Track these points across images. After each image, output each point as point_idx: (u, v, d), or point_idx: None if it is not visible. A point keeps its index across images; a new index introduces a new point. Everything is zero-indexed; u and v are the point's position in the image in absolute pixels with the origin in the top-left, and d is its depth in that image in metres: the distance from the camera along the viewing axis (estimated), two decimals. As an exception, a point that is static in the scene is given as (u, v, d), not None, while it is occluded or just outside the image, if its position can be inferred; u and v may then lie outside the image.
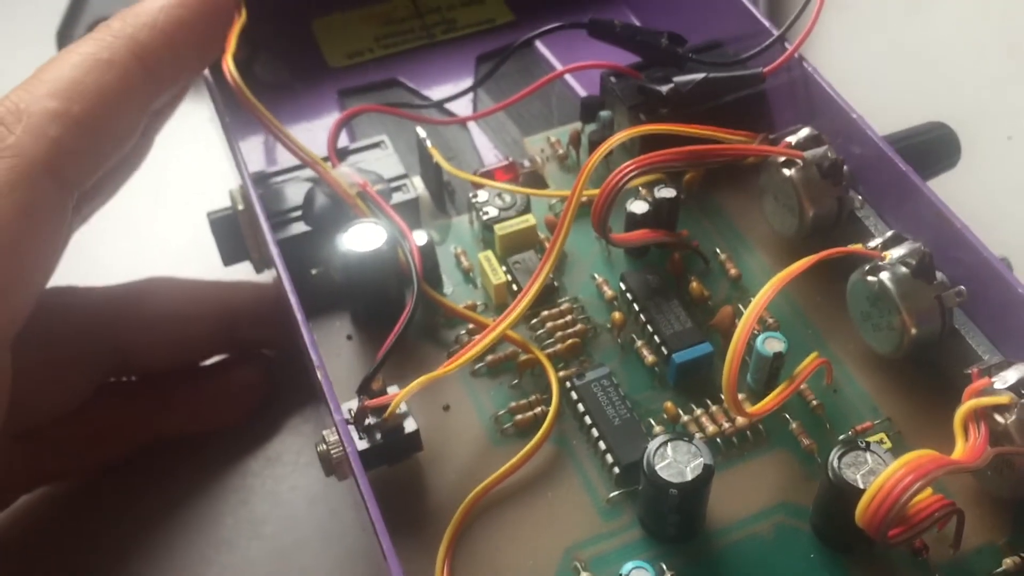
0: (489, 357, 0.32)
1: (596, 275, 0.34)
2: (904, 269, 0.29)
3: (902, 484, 0.24)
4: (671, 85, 0.35)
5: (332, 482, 0.30)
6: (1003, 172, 0.46)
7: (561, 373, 0.31)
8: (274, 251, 0.30)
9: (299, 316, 0.29)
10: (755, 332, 0.31)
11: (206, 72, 0.35)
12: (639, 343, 0.32)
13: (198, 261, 0.37)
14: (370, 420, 0.28)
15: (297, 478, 0.36)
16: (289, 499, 0.36)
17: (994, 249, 0.30)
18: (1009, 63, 0.52)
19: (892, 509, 0.24)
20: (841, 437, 0.29)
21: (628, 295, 0.33)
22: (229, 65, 0.33)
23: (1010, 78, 0.51)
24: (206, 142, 0.41)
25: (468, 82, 0.41)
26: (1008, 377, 0.27)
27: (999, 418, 0.26)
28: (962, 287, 0.29)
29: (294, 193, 0.34)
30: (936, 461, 0.24)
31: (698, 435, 0.29)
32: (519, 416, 0.30)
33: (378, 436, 0.28)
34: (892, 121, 0.37)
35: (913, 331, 0.29)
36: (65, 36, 0.48)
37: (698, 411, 0.30)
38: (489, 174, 0.37)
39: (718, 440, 0.30)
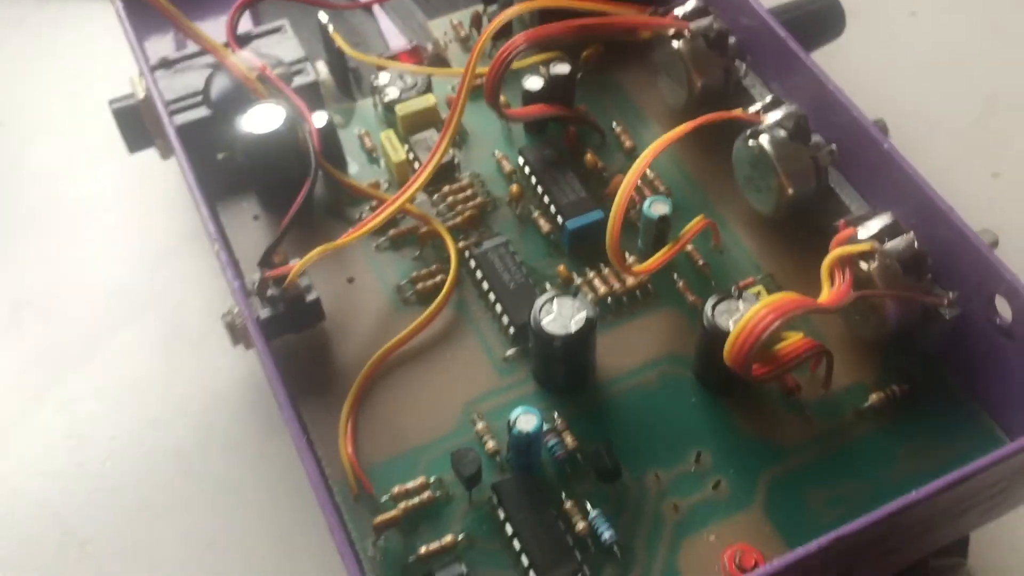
0: (391, 232, 0.33)
1: (496, 152, 0.35)
2: (782, 132, 0.31)
3: (764, 322, 0.26)
4: (565, -38, 0.35)
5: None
6: (902, 46, 0.48)
7: (461, 244, 0.32)
8: (172, 137, 0.31)
9: (199, 196, 0.29)
10: (644, 197, 0.32)
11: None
12: (536, 213, 0.33)
13: (107, 149, 0.38)
14: (272, 291, 0.29)
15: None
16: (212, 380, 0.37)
17: (874, 114, 0.32)
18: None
19: (754, 345, 0.26)
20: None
21: (526, 168, 0.34)
22: (123, -48, 0.33)
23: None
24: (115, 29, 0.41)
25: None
26: (872, 227, 0.29)
27: (864, 265, 0.28)
28: (834, 146, 0.30)
29: (195, 79, 0.35)
30: (796, 301, 0.26)
31: (590, 296, 0.31)
32: (420, 285, 0.32)
33: (280, 305, 0.29)
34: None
35: (790, 191, 0.31)
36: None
37: (591, 274, 0.32)
38: (394, 59, 0.37)
39: (609, 300, 0.31)
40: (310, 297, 0.29)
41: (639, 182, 0.34)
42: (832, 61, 0.39)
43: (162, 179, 0.41)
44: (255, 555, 0.33)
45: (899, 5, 0.49)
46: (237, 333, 0.29)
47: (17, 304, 0.39)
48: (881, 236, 0.28)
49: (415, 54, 0.38)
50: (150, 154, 0.37)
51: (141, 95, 0.34)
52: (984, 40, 0.48)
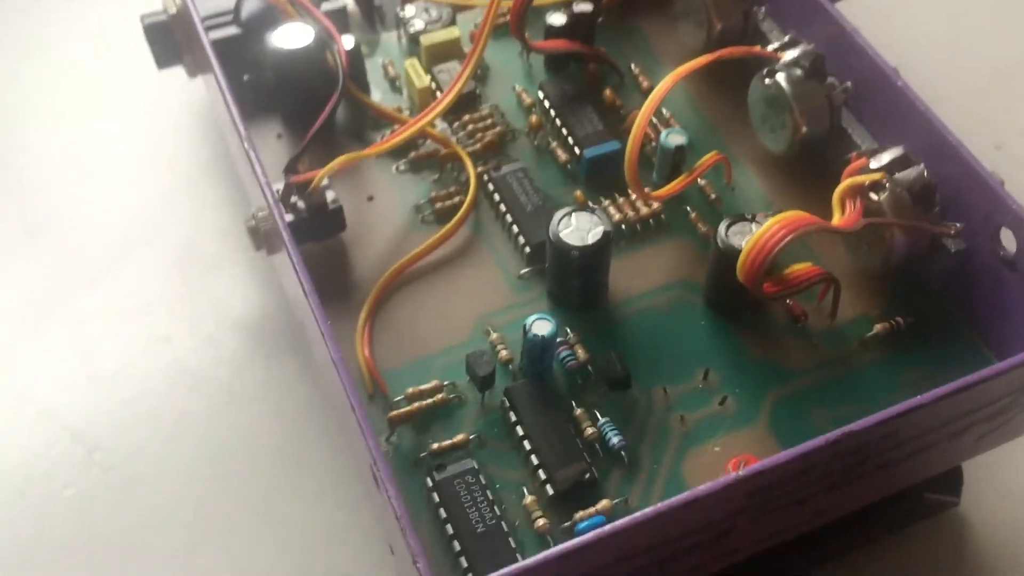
0: (412, 154, 0.33)
1: (516, 86, 0.36)
2: (798, 71, 0.32)
3: (776, 237, 0.26)
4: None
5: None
6: (909, 17, 0.48)
7: (480, 168, 0.33)
8: (209, 51, 0.31)
9: (233, 110, 0.30)
10: (656, 137, 0.33)
11: None
12: (554, 144, 0.34)
13: (133, 62, 0.38)
14: (296, 199, 0.30)
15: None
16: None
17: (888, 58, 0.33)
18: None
19: (767, 259, 0.26)
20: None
21: (545, 102, 0.35)
22: None
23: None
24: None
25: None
26: (883, 158, 0.29)
27: (874, 196, 0.29)
28: (848, 83, 0.31)
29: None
30: (808, 218, 0.27)
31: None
32: (439, 205, 0.32)
33: (303, 212, 0.30)
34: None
35: (804, 128, 0.32)
36: None
37: (606, 202, 0.32)
38: (418, -4, 0.38)
39: (623, 227, 0.32)
40: (332, 205, 0.30)
41: (656, 120, 0.35)
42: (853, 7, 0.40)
43: (183, 108, 0.41)
44: (260, 467, 0.33)
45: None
46: (260, 237, 0.30)
47: (32, 225, 0.40)
48: (892, 167, 0.29)
49: (440, -10, 0.38)
50: (170, 83, 0.38)
51: (173, 11, 0.34)
52: (992, 13, 0.49)
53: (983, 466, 0.32)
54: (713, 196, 0.33)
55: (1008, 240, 0.28)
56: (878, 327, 0.30)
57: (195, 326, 0.37)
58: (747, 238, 0.28)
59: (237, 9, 0.35)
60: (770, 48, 0.33)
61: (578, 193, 0.32)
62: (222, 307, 0.37)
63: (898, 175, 0.29)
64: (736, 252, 0.28)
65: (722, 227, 0.29)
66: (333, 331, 0.29)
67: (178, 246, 0.39)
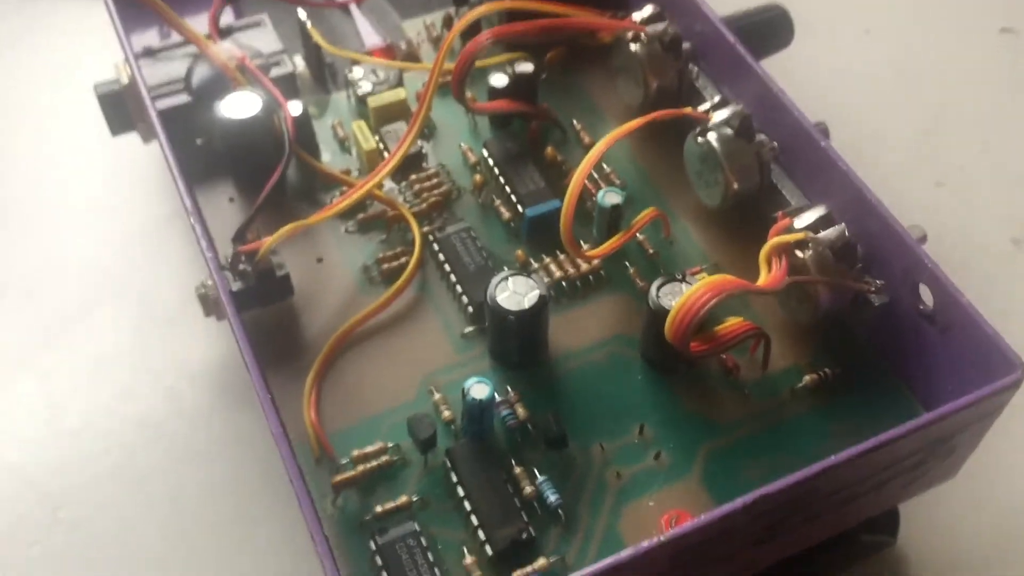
0: (360, 216, 0.34)
1: (463, 144, 0.37)
2: (729, 130, 0.33)
3: (701, 300, 0.27)
4: (532, -33, 0.37)
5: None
6: (856, 60, 0.50)
7: (425, 228, 0.34)
8: (154, 119, 0.32)
9: (178, 177, 0.31)
10: (599, 188, 0.34)
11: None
12: (497, 202, 0.35)
13: (91, 130, 0.39)
14: (244, 265, 0.31)
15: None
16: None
17: (823, 119, 0.34)
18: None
19: (692, 321, 0.27)
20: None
21: (490, 160, 0.36)
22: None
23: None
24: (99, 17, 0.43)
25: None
26: (807, 218, 0.31)
27: (799, 253, 0.30)
28: (775, 143, 0.33)
29: (177, 67, 0.36)
30: (733, 282, 0.28)
31: (546, 279, 0.33)
32: (385, 266, 0.33)
33: (251, 279, 0.31)
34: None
35: (735, 185, 0.33)
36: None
37: (547, 259, 0.33)
38: (368, 55, 0.39)
39: (563, 284, 0.33)
40: (280, 272, 0.31)
41: (596, 175, 0.36)
42: (787, 72, 0.41)
43: (141, 164, 0.43)
44: (221, 521, 0.34)
45: (854, 23, 0.52)
46: (209, 304, 0.31)
47: (2, 286, 0.41)
48: (815, 226, 0.30)
49: (388, 52, 0.39)
50: (129, 141, 0.39)
51: (125, 81, 0.35)
52: (935, 58, 0.50)
53: (920, 503, 0.33)
54: (651, 251, 0.34)
55: (927, 295, 0.29)
56: (807, 378, 0.31)
57: (157, 380, 0.38)
58: (676, 298, 0.30)
59: (188, 77, 0.36)
60: (701, 108, 0.34)
61: (519, 252, 0.33)
62: (182, 361, 0.38)
63: (821, 234, 0.30)
64: (666, 312, 0.29)
65: (654, 288, 0.30)
66: (280, 395, 0.30)
67: (139, 300, 0.40)
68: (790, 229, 0.30)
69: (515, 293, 0.30)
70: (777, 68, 0.40)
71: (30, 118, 0.46)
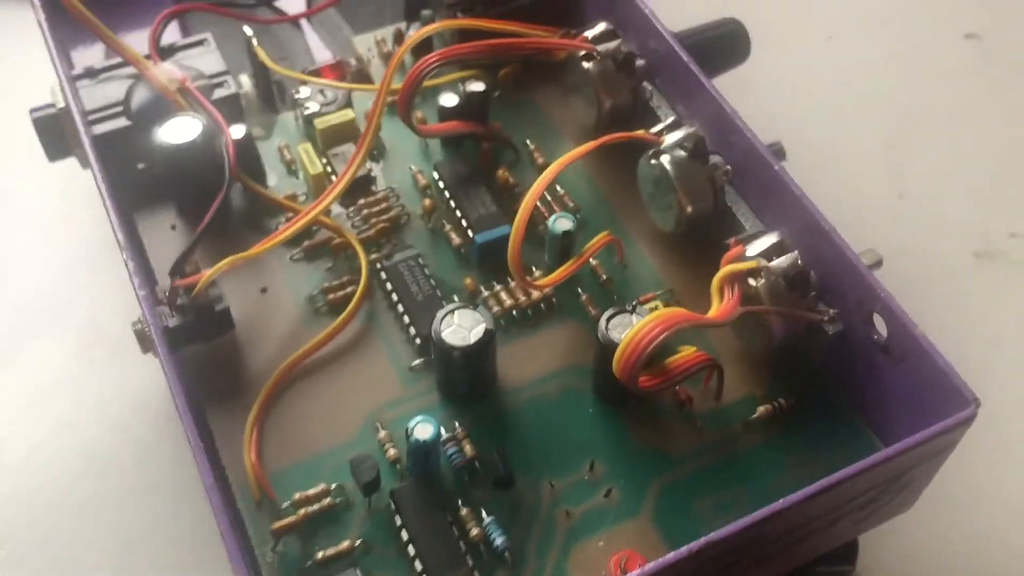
0: (306, 243, 0.33)
1: (412, 166, 0.36)
2: (682, 152, 0.32)
3: (651, 335, 0.27)
4: (482, -18, 0.36)
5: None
6: (818, 69, 0.49)
7: (373, 256, 0.33)
8: (88, 148, 0.31)
9: (112, 210, 0.30)
10: (553, 212, 0.33)
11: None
12: (448, 227, 0.34)
13: (30, 156, 0.38)
14: (182, 300, 0.30)
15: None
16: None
17: (786, 135, 0.33)
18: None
19: (640, 357, 0.27)
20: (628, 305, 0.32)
21: (440, 183, 0.35)
22: (47, -36, 0.34)
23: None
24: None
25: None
26: (759, 245, 0.30)
27: (752, 282, 0.29)
28: (728, 167, 0.32)
29: (118, 89, 0.35)
30: (682, 315, 0.27)
31: (496, 308, 0.32)
32: (331, 296, 0.32)
33: (189, 314, 0.30)
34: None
35: (688, 208, 0.32)
36: None
37: (498, 287, 0.33)
38: (317, 73, 0.38)
39: (514, 312, 0.32)
40: (219, 306, 0.30)
41: (549, 197, 0.35)
42: (748, 82, 0.40)
43: (85, 185, 0.41)
44: (165, 557, 0.33)
45: (816, 30, 0.51)
46: (147, 341, 0.30)
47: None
48: (768, 254, 0.30)
49: (338, 68, 0.38)
50: (72, 161, 0.37)
51: (61, 105, 0.34)
52: (898, 64, 0.50)
53: (879, 530, 0.32)
54: (604, 277, 0.33)
55: (881, 325, 0.29)
56: (761, 409, 0.30)
57: (99, 411, 0.37)
58: (626, 330, 0.29)
59: (127, 100, 0.34)
60: (655, 129, 0.33)
61: (468, 280, 0.33)
62: (126, 390, 0.37)
63: (773, 263, 0.29)
64: (615, 346, 0.28)
65: (603, 320, 0.29)
66: (222, 434, 0.30)
67: (82, 328, 0.39)
68: (743, 257, 0.30)
69: (460, 327, 0.29)
70: (737, 79, 0.40)
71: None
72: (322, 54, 0.41)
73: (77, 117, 0.32)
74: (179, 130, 0.33)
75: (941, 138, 0.47)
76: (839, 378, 0.30)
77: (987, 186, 0.45)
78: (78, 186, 0.41)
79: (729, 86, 0.40)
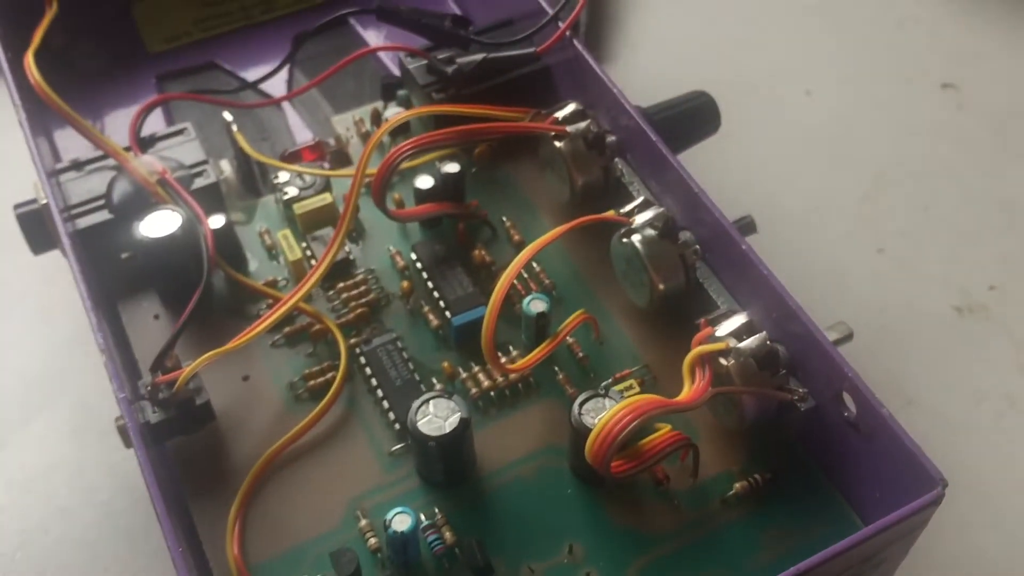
0: (287, 329, 0.34)
1: (391, 247, 0.36)
2: (652, 231, 0.33)
3: (622, 423, 0.27)
4: (455, 66, 0.37)
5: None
6: (797, 123, 0.50)
7: (352, 340, 0.34)
8: (65, 242, 0.32)
9: (88, 303, 0.31)
10: (529, 291, 0.34)
11: (5, 67, 0.36)
12: (426, 308, 0.35)
13: (12, 249, 0.39)
14: (164, 394, 0.30)
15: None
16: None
17: (760, 196, 0.34)
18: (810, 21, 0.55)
19: (612, 446, 0.27)
20: (602, 386, 0.33)
21: (418, 264, 0.35)
22: (30, 63, 0.35)
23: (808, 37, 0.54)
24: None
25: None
26: (728, 325, 0.30)
27: (723, 361, 0.30)
28: (697, 245, 0.32)
29: (101, 182, 0.36)
30: (653, 403, 0.28)
31: (473, 390, 0.32)
32: (312, 382, 0.33)
33: (171, 409, 0.30)
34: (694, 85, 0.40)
35: (661, 286, 0.33)
36: None
37: (476, 368, 0.33)
38: (297, 154, 0.39)
39: (492, 394, 0.33)
40: (200, 400, 0.31)
41: (526, 275, 0.35)
42: (730, 139, 0.41)
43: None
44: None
45: (795, 85, 0.52)
46: (128, 437, 0.30)
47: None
48: (738, 334, 0.30)
49: (318, 149, 0.39)
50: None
51: (44, 200, 0.35)
52: (875, 117, 0.51)
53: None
54: (581, 355, 0.33)
55: (850, 402, 0.29)
56: (737, 485, 0.30)
57: (92, 496, 0.38)
58: (599, 416, 0.29)
59: (109, 193, 0.35)
60: (625, 209, 0.34)
61: (445, 364, 0.33)
62: (118, 474, 0.38)
63: (742, 344, 0.30)
64: (588, 431, 0.28)
65: (576, 405, 0.30)
66: (205, 525, 0.30)
67: (74, 412, 0.40)
68: (712, 338, 0.30)
69: (436, 417, 0.29)
70: (716, 140, 0.40)
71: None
72: (302, 133, 0.42)
73: (56, 214, 0.32)
74: (159, 223, 0.33)
75: (919, 191, 0.47)
76: (814, 453, 0.31)
77: (966, 238, 0.46)
78: (67, 271, 0.42)
79: (709, 149, 0.41)
